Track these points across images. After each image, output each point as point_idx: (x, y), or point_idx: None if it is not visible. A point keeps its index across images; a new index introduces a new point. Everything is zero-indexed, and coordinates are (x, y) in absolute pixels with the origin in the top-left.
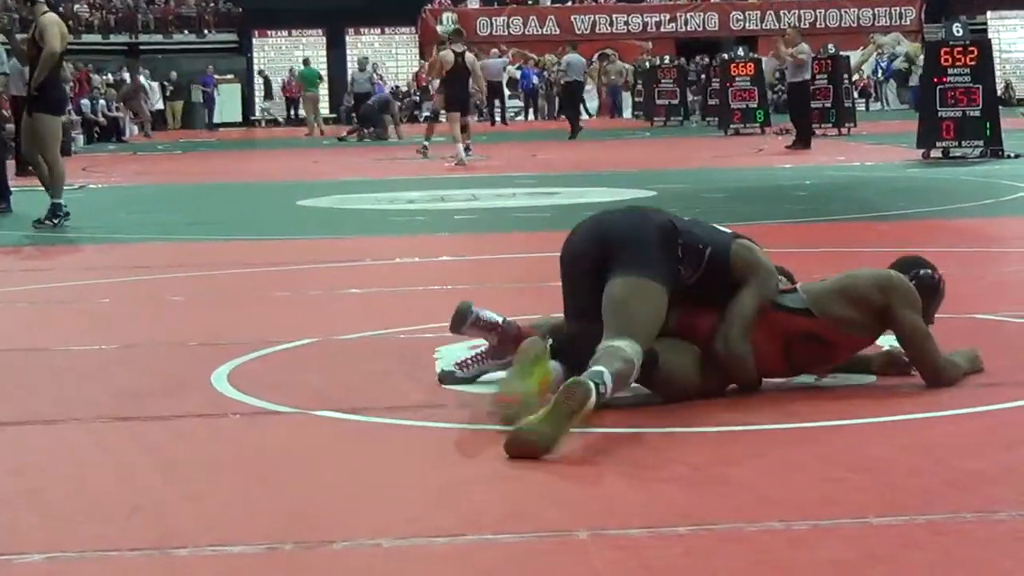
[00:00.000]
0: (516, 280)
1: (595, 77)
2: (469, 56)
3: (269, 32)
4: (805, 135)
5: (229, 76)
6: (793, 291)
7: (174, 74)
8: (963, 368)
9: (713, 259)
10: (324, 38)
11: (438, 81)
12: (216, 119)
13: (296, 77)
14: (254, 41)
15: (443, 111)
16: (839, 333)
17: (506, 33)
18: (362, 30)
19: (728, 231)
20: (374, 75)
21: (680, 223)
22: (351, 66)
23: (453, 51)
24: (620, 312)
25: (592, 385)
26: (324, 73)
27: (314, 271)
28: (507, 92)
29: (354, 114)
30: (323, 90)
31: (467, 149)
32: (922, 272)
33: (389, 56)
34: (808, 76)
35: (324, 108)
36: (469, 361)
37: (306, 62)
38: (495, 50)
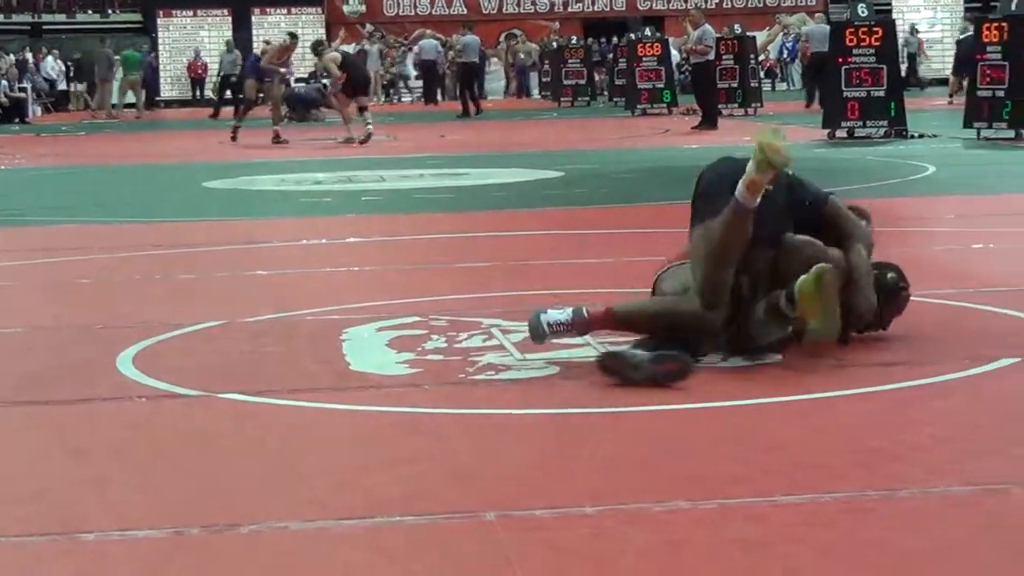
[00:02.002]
0: (422, 261)
1: (503, 57)
2: (336, 53)
3: (174, 12)
4: (711, 115)
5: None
6: None
7: (77, 54)
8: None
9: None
10: (230, 18)
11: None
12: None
13: (120, 60)
14: (158, 21)
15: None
16: None
17: (413, 13)
18: (268, 10)
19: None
20: (239, 57)
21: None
22: (256, 46)
23: (335, 51)
24: None
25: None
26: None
27: (220, 253)
28: (413, 73)
29: (231, 93)
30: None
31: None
32: (889, 276)
33: None
34: (712, 56)
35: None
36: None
37: (132, 45)
38: (428, 30)
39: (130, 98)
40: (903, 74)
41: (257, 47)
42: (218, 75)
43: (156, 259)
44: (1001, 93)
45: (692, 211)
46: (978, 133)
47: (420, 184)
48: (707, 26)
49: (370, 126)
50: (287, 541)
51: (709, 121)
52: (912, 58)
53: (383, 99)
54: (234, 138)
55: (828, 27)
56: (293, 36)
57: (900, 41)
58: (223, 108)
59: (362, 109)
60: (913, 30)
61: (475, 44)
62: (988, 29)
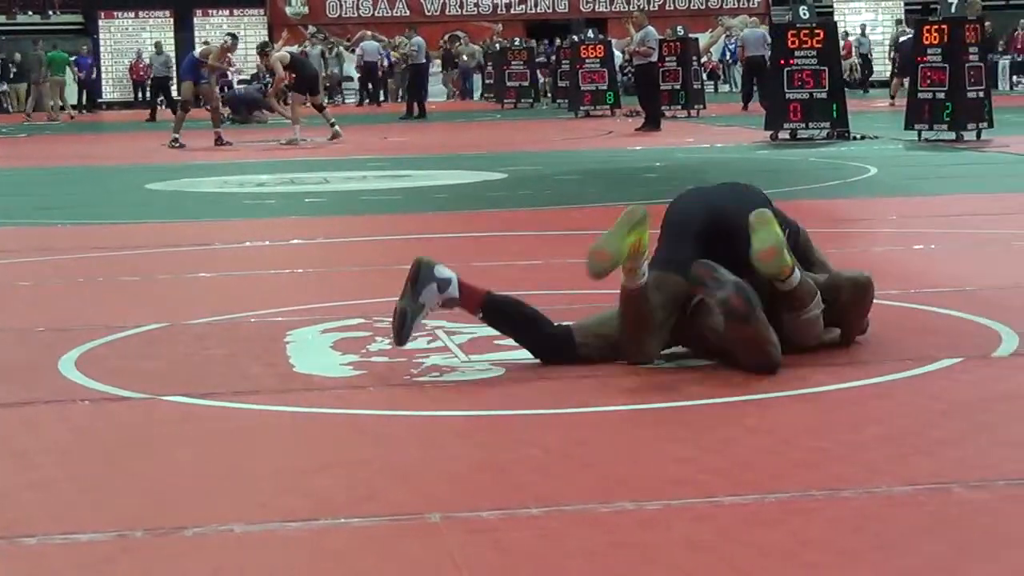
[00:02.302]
0: (366, 263)
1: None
2: (284, 53)
3: (116, 13)
4: (654, 117)
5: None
6: None
7: (18, 56)
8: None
9: None
10: (171, 19)
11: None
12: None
13: (44, 61)
14: (100, 23)
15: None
16: None
17: (356, 15)
18: (210, 11)
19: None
20: (171, 59)
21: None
22: (199, 49)
23: (286, 51)
24: None
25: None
26: (171, 54)
27: (163, 255)
28: (355, 75)
29: (163, 96)
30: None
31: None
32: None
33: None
34: (656, 58)
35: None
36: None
37: (55, 47)
38: (369, 32)
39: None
40: (858, 75)
41: (197, 49)
42: (150, 78)
43: (98, 261)
44: (942, 95)
45: (659, 239)
46: (919, 135)
47: (363, 186)
48: (650, 28)
49: (336, 126)
50: (232, 544)
51: (652, 123)
52: (865, 59)
53: (326, 101)
54: (180, 146)
55: (762, 31)
56: (233, 37)
57: (853, 42)
58: (159, 110)
59: (320, 108)
60: (864, 31)
61: (425, 46)
62: (928, 31)
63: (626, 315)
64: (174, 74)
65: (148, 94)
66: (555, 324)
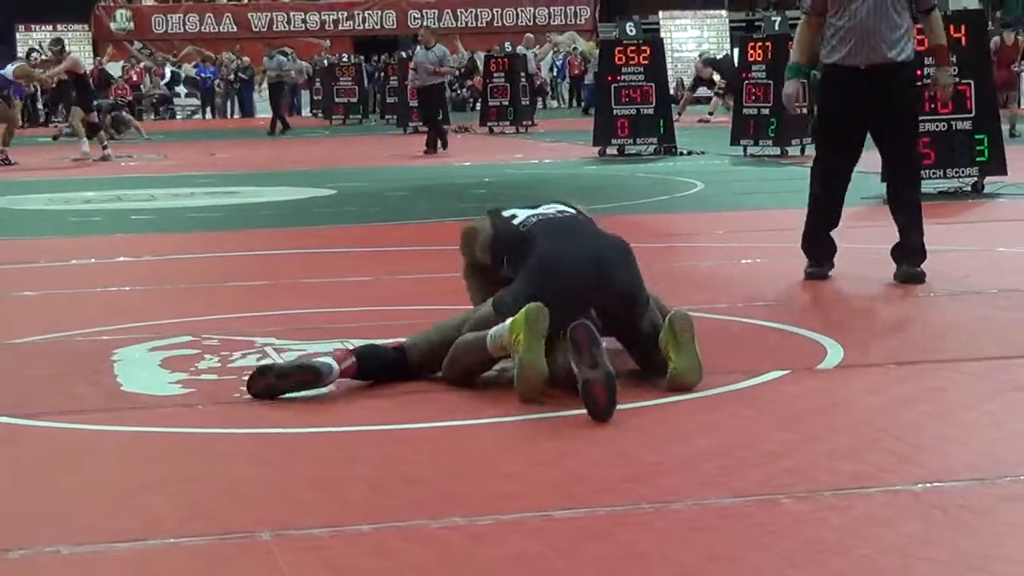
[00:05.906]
0: (194, 280)
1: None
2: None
3: None
4: (433, 137)
5: None
6: None
7: None
8: None
9: None
10: None
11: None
12: None
13: None
14: None
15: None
16: None
17: (182, 30)
18: (32, 26)
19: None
20: None
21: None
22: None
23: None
24: None
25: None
26: None
27: None
28: (184, 91)
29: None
30: None
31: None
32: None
33: None
34: (442, 79)
35: None
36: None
37: None
38: (193, 47)
39: None
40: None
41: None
42: None
43: None
44: (766, 111)
45: (509, 258)
46: (745, 150)
47: (191, 203)
48: (440, 46)
49: (84, 146)
50: (58, 566)
51: (433, 145)
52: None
53: (153, 117)
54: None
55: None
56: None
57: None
58: None
59: (94, 127)
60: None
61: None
62: (753, 48)
63: (464, 362)
64: None
65: None
66: (386, 348)
